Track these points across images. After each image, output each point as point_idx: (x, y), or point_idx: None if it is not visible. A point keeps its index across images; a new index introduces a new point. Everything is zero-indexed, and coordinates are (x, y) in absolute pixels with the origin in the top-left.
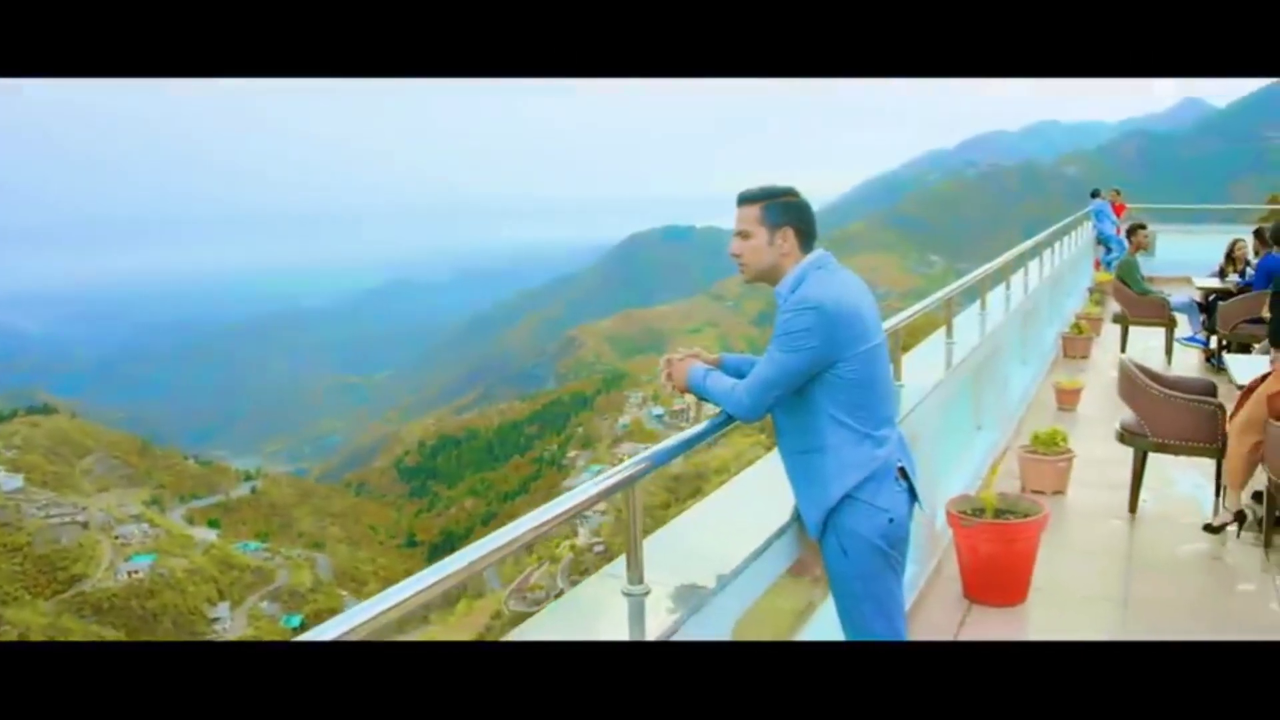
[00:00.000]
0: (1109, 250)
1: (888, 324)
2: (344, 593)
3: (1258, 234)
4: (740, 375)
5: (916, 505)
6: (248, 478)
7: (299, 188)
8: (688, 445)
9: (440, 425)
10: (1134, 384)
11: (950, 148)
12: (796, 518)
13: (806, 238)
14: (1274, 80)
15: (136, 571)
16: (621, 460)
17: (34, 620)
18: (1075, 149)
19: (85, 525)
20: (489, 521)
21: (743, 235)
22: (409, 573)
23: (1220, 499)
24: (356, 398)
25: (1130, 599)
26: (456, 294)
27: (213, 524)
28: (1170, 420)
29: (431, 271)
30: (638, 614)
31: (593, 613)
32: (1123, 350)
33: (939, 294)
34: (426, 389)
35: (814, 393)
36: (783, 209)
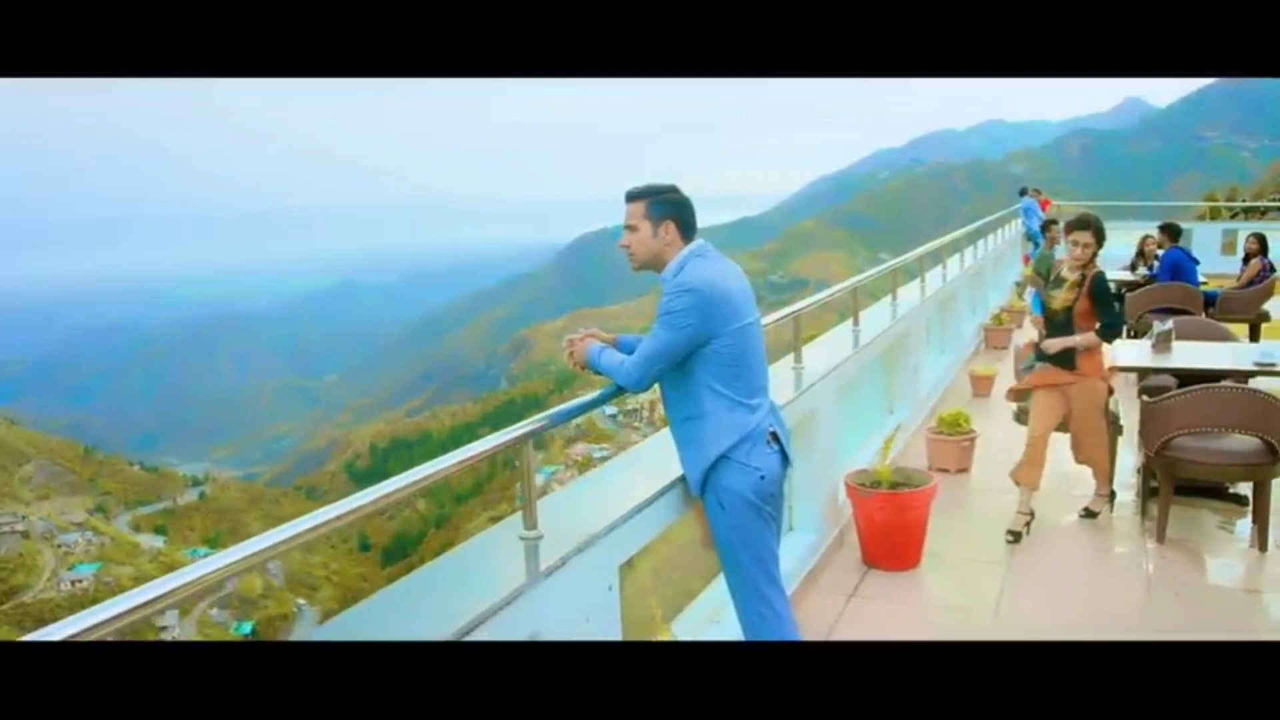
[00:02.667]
0: (1036, 246)
1: (792, 309)
2: (299, 600)
3: (1163, 229)
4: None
5: (789, 465)
6: (195, 483)
7: (242, 188)
8: (580, 410)
9: (392, 427)
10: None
11: (899, 146)
12: (682, 479)
13: (687, 229)
14: (1211, 81)
15: (81, 581)
16: (577, 461)
17: None
18: (1021, 147)
19: (25, 534)
20: (442, 524)
21: (630, 229)
22: (362, 577)
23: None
24: (306, 400)
25: (1013, 562)
26: (405, 295)
27: (160, 531)
28: None
29: (379, 273)
30: (532, 553)
31: (492, 553)
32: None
33: (844, 284)
34: (377, 391)
35: (694, 366)
36: (664, 205)
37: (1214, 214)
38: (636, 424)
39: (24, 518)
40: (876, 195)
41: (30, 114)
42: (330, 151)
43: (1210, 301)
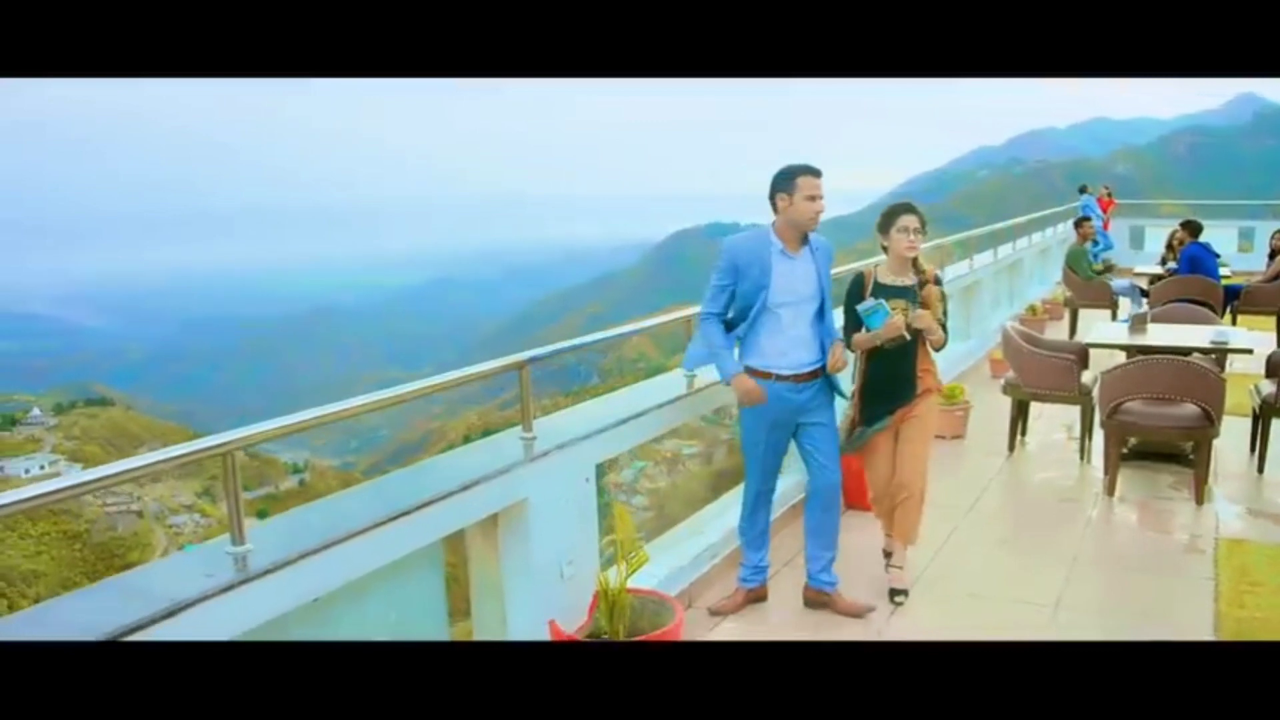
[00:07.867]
0: (1095, 243)
1: None
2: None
3: (1184, 225)
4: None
5: None
6: (296, 470)
7: (336, 186)
8: (573, 347)
9: (484, 420)
10: (1011, 344)
11: (998, 145)
12: (648, 411)
13: None
14: None
15: None
16: (666, 455)
17: None
18: (1125, 145)
19: (140, 514)
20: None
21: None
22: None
23: (1086, 443)
24: None
25: (975, 507)
26: (498, 292)
27: (262, 515)
28: (1037, 372)
29: (473, 269)
30: (528, 446)
31: (494, 450)
32: (1072, 331)
33: (845, 267)
34: (471, 385)
35: None
36: None
37: None
38: (726, 421)
39: (138, 498)
40: (973, 194)
41: (122, 115)
42: (410, 150)
43: (1234, 295)
